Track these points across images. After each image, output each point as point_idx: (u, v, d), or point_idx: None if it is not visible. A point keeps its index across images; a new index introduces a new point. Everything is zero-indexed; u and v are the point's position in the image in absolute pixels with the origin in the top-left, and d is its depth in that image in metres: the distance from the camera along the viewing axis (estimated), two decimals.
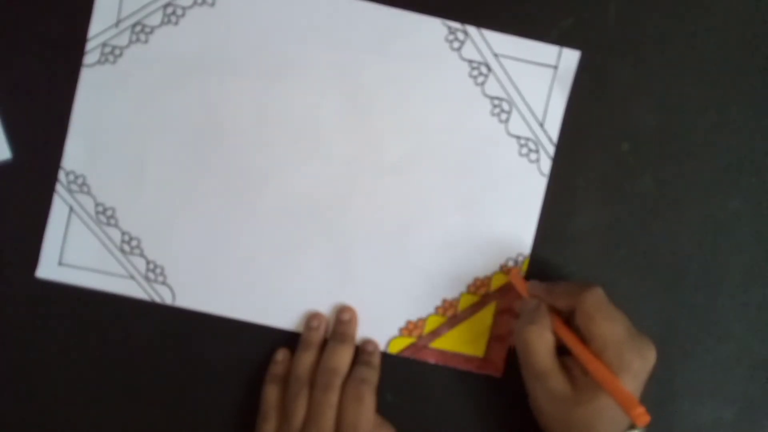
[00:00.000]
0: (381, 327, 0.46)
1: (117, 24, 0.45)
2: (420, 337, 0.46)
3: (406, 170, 0.45)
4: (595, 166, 0.46)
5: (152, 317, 0.45)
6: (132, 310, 0.45)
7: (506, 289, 0.46)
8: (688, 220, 0.46)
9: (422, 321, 0.46)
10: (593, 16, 0.46)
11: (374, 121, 0.45)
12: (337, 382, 0.42)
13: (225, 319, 0.45)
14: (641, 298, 0.46)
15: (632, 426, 0.38)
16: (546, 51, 0.45)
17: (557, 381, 0.39)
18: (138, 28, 0.45)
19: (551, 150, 0.45)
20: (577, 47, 0.45)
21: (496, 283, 0.46)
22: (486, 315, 0.46)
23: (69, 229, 0.45)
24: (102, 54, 0.45)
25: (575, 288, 0.40)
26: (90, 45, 0.45)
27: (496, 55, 0.45)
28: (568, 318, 0.41)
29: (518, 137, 0.45)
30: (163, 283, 0.45)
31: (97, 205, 0.45)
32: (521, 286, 0.43)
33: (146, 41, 0.45)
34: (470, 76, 0.45)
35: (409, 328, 0.46)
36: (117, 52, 0.45)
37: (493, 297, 0.46)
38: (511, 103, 0.45)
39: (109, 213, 0.45)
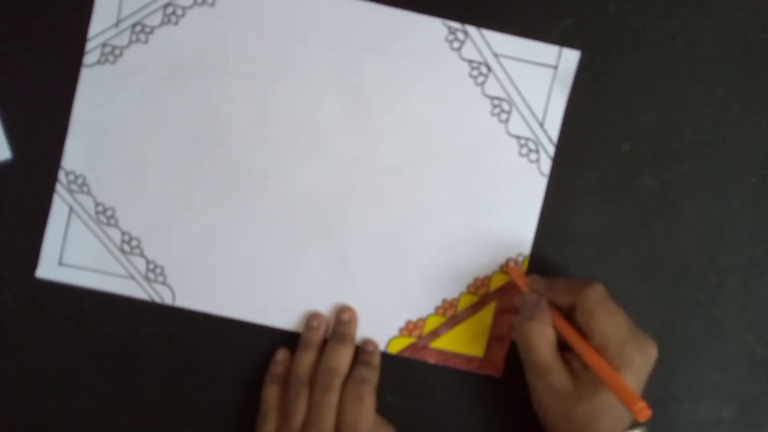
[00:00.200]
0: (381, 327, 0.46)
1: (117, 24, 0.45)
2: (420, 337, 0.46)
3: (406, 170, 0.45)
4: (595, 166, 0.46)
5: (152, 317, 0.45)
6: (132, 310, 0.45)
7: (506, 289, 0.46)
8: (688, 220, 0.46)
9: (422, 321, 0.46)
10: (593, 16, 0.46)
11: (374, 121, 0.45)
12: (337, 382, 0.42)
13: (225, 319, 0.45)
14: (641, 298, 0.46)
15: (634, 422, 0.38)
16: (546, 51, 0.45)
17: (558, 376, 0.39)
18: (138, 28, 0.45)
19: (551, 150, 0.45)
20: (577, 47, 0.45)
21: (496, 283, 0.46)
22: (486, 315, 0.46)
23: (69, 229, 0.45)
24: (102, 54, 0.45)
25: (576, 284, 0.40)
26: (90, 45, 0.45)
27: (496, 55, 0.45)
28: (568, 314, 0.41)
29: (518, 137, 0.45)
30: (163, 283, 0.45)
31: (97, 205, 0.45)
32: (521, 281, 0.43)
33: (146, 41, 0.45)
34: (470, 76, 0.45)
35: (409, 328, 0.46)
36: (117, 52, 0.45)
37: (493, 297, 0.46)
38: (511, 103, 0.45)
39: (109, 213, 0.45)
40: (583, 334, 0.39)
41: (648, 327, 0.39)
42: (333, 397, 0.42)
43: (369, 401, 0.42)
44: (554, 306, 0.41)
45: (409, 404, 0.46)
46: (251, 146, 0.45)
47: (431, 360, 0.46)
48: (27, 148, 0.45)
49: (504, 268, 0.46)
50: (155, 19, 0.45)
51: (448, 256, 0.45)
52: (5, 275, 0.45)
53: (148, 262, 0.45)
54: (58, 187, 0.45)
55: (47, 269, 0.45)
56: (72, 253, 0.45)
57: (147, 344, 0.45)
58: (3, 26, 0.45)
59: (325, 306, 0.46)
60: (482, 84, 0.45)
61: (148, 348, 0.46)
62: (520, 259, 0.46)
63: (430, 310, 0.46)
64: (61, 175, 0.45)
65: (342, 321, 0.45)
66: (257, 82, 0.45)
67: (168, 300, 0.45)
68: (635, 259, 0.46)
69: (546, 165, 0.45)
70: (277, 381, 0.44)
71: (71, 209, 0.45)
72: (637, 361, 0.37)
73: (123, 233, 0.45)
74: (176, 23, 0.45)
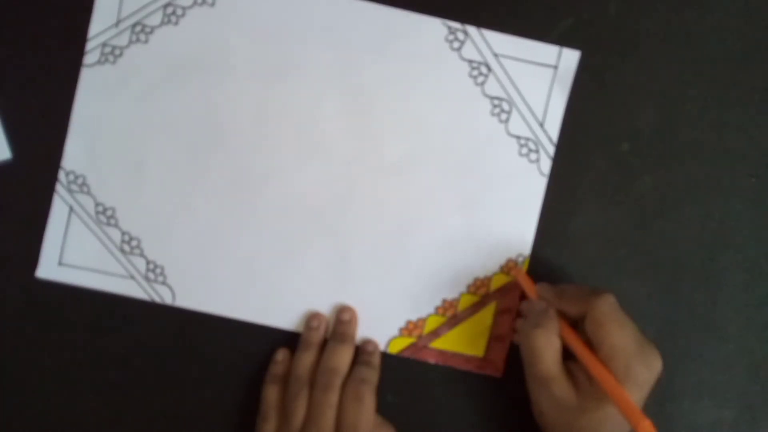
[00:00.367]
0: (381, 327, 0.46)
1: (117, 24, 0.45)
2: (420, 337, 0.46)
3: (406, 170, 0.45)
4: (595, 166, 0.46)
5: (152, 317, 0.45)
6: (132, 310, 0.45)
7: (506, 290, 0.46)
8: (688, 220, 0.46)
9: (422, 321, 0.46)
10: (593, 16, 0.46)
11: (374, 121, 0.45)
12: (337, 382, 0.42)
13: (225, 319, 0.45)
14: (641, 298, 0.46)
15: None
16: (546, 51, 0.45)
17: (562, 387, 0.38)
18: (138, 28, 0.45)
19: (551, 150, 0.45)
20: (577, 47, 0.45)
21: (496, 284, 0.46)
22: (486, 315, 0.46)
23: (69, 229, 0.45)
24: (102, 54, 0.45)
25: (587, 293, 0.39)
26: (90, 45, 0.45)
27: (496, 55, 0.45)
28: (574, 323, 0.40)
29: (518, 137, 0.45)
30: (163, 283, 0.45)
31: (97, 205, 0.45)
32: (529, 287, 0.43)
33: (146, 41, 0.45)
34: (470, 76, 0.45)
35: (409, 328, 0.46)
36: (117, 52, 0.45)
37: (493, 297, 0.46)
38: (511, 103, 0.45)
39: (109, 213, 0.45)
40: (590, 344, 0.38)
41: (648, 327, 0.39)
42: (333, 397, 0.42)
43: (369, 401, 0.42)
44: (561, 315, 0.40)
45: (409, 404, 0.46)
46: (251, 146, 0.45)
47: (431, 360, 0.46)
48: (27, 148, 0.45)
49: (511, 273, 0.45)
50: (155, 19, 0.45)
51: (448, 256, 0.45)
52: (5, 275, 0.45)
53: (148, 262, 0.45)
54: (58, 187, 0.45)
55: (47, 269, 0.45)
56: (72, 253, 0.45)
57: (147, 344, 0.45)
58: (3, 26, 0.45)
59: (325, 306, 0.46)
60: (482, 84, 0.45)
61: (148, 348, 0.46)
62: (520, 259, 0.46)
63: (430, 310, 0.46)
64: (61, 175, 0.45)
65: (342, 321, 0.45)
66: (257, 82, 0.45)
67: (168, 300, 0.45)
68: (635, 259, 0.46)
69: (546, 165, 0.45)
70: (277, 381, 0.44)
71: (71, 209, 0.45)
72: (642, 376, 0.37)
73: (123, 233, 0.45)
74: (176, 23, 0.45)
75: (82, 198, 0.45)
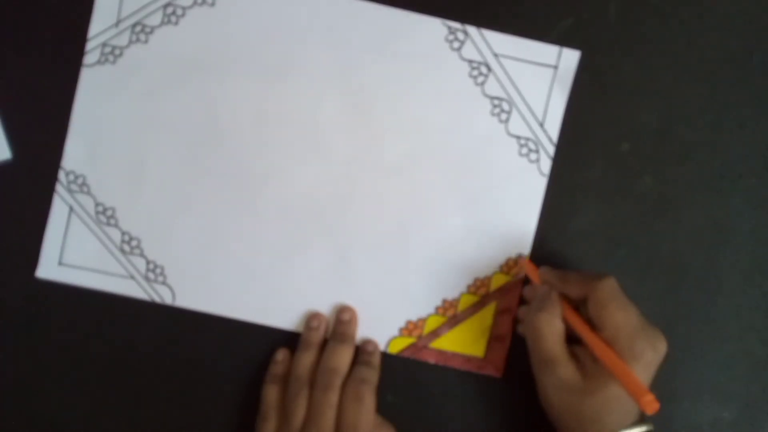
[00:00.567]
0: (381, 327, 0.46)
1: (117, 24, 0.45)
2: (420, 337, 0.46)
3: (406, 170, 0.45)
4: (595, 166, 0.46)
5: (152, 317, 0.45)
6: (132, 310, 0.45)
7: (506, 289, 0.46)
8: (688, 220, 0.46)
9: (422, 321, 0.46)
10: (593, 16, 0.46)
11: (374, 121, 0.45)
12: (337, 382, 0.42)
13: (225, 319, 0.45)
14: (641, 298, 0.46)
15: (641, 416, 0.38)
16: (546, 51, 0.45)
17: (566, 369, 0.39)
18: (138, 28, 0.45)
19: (551, 150, 0.45)
20: (577, 47, 0.45)
21: (496, 283, 0.46)
22: (486, 315, 0.46)
23: (69, 229, 0.45)
24: (102, 54, 0.45)
25: (588, 276, 0.40)
26: (90, 45, 0.45)
27: (496, 55, 0.45)
28: (577, 306, 0.40)
29: (518, 137, 0.45)
30: (163, 283, 0.45)
31: (97, 205, 0.45)
32: (533, 273, 0.43)
33: (146, 41, 0.45)
34: (470, 76, 0.45)
35: (409, 328, 0.46)
36: (117, 52, 0.45)
37: (493, 297, 0.46)
38: (511, 103, 0.45)
39: (109, 213, 0.45)
40: (594, 326, 0.39)
41: None
42: (333, 397, 0.42)
43: (369, 401, 0.42)
44: (564, 298, 0.41)
45: (409, 404, 0.46)
46: (251, 146, 0.45)
47: (431, 360, 0.46)
48: (27, 148, 0.45)
49: (516, 261, 0.45)
50: (155, 19, 0.45)
51: (448, 256, 0.45)
52: (5, 275, 0.45)
53: (148, 262, 0.45)
54: (58, 187, 0.45)
55: (47, 269, 0.45)
56: (72, 253, 0.45)
57: (147, 344, 0.45)
58: (3, 26, 0.45)
59: (325, 306, 0.46)
60: (482, 84, 0.45)
61: (148, 348, 0.45)
62: (520, 259, 0.46)
63: (430, 310, 0.46)
64: (61, 175, 0.45)
65: (342, 321, 0.45)
66: (257, 82, 0.45)
67: (168, 300, 0.45)
68: (635, 259, 0.46)
69: (546, 165, 0.45)
70: (277, 381, 0.44)
71: (71, 209, 0.45)
72: (647, 355, 0.37)
73: (123, 233, 0.45)
74: (176, 23, 0.45)
75: (82, 198, 0.45)
